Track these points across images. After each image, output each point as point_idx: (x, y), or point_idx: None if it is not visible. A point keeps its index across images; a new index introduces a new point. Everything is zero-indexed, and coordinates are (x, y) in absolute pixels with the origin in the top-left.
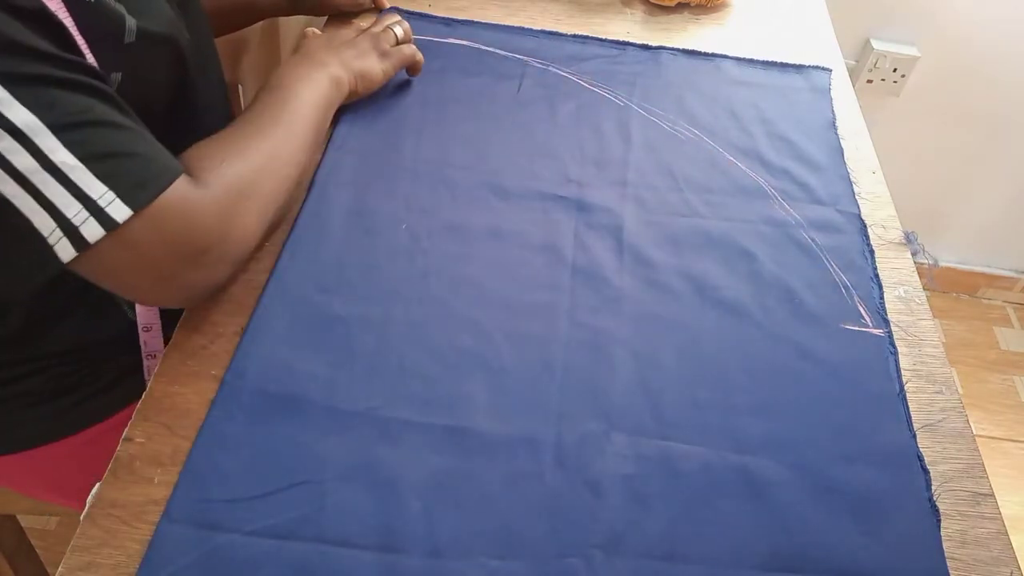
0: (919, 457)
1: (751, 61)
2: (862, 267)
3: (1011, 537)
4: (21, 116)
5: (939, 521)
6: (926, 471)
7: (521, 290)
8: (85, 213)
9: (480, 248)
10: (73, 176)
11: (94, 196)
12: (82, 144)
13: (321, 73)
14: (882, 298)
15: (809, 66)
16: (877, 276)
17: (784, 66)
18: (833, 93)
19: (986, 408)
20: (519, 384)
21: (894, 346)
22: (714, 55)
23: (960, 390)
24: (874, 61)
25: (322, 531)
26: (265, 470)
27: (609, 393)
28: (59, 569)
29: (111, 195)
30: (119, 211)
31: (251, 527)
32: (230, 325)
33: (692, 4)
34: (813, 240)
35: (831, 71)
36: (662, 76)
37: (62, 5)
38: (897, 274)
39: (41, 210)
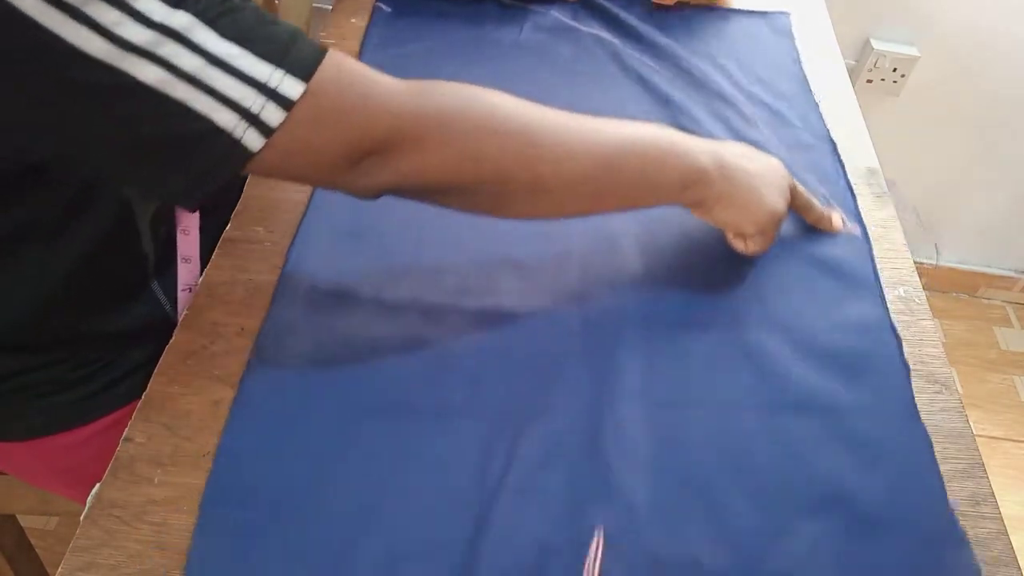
0: (892, 327)
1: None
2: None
3: (1011, 537)
4: (176, 18)
5: (909, 374)
6: (898, 337)
7: None
8: (262, 98)
9: None
10: (239, 64)
11: (263, 79)
12: (238, 31)
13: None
14: (858, 205)
15: (772, 12)
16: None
17: (750, 13)
18: (807, 53)
19: (986, 408)
20: (541, 274)
21: (869, 243)
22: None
23: (960, 390)
24: (874, 61)
25: (383, 399)
26: (329, 354)
27: (624, 282)
28: (59, 569)
29: (279, 73)
30: (292, 87)
31: (319, 405)
32: (230, 325)
33: (691, 4)
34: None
35: (789, 14)
36: (655, 27)
37: None
38: (897, 274)
39: (220, 106)
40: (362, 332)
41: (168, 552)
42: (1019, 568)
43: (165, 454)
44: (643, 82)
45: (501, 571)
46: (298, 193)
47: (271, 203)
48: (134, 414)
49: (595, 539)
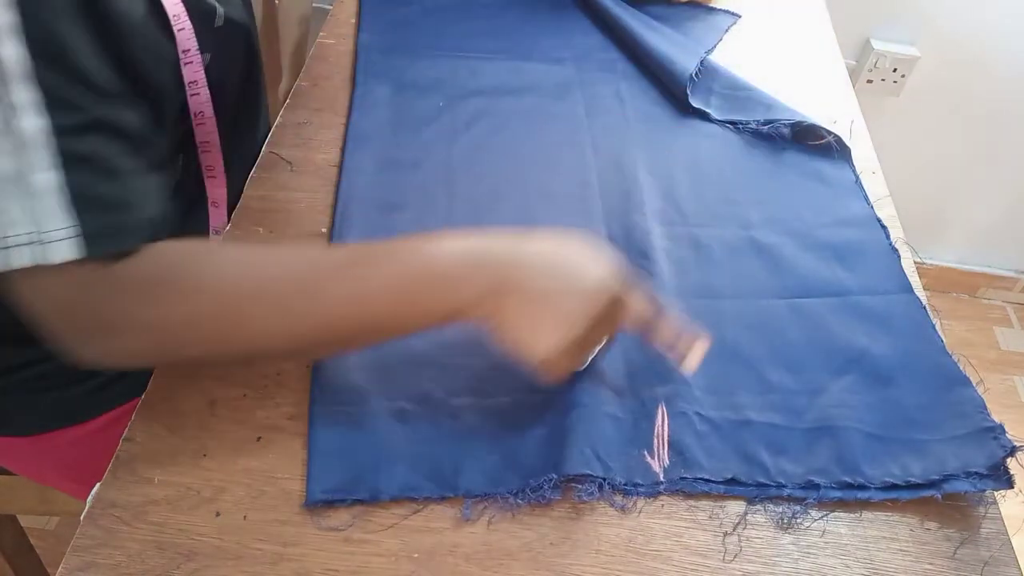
0: (877, 219)
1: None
2: None
3: (1011, 537)
4: (31, 125)
5: (899, 257)
6: (884, 227)
7: (543, 124)
8: (26, 238)
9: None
10: (41, 200)
11: (50, 227)
12: (73, 175)
13: (472, 286)
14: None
15: (718, 10)
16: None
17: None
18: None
19: None
20: (567, 201)
21: (848, 152)
22: None
23: None
24: (874, 61)
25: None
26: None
27: (640, 199)
28: (59, 569)
29: (70, 231)
30: (61, 252)
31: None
32: None
33: (692, 4)
34: None
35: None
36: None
37: None
38: None
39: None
40: None
41: (168, 552)
42: (1019, 568)
43: (165, 454)
44: (647, 25)
45: (587, 443)
46: (298, 192)
47: (271, 203)
48: (134, 414)
49: (659, 411)
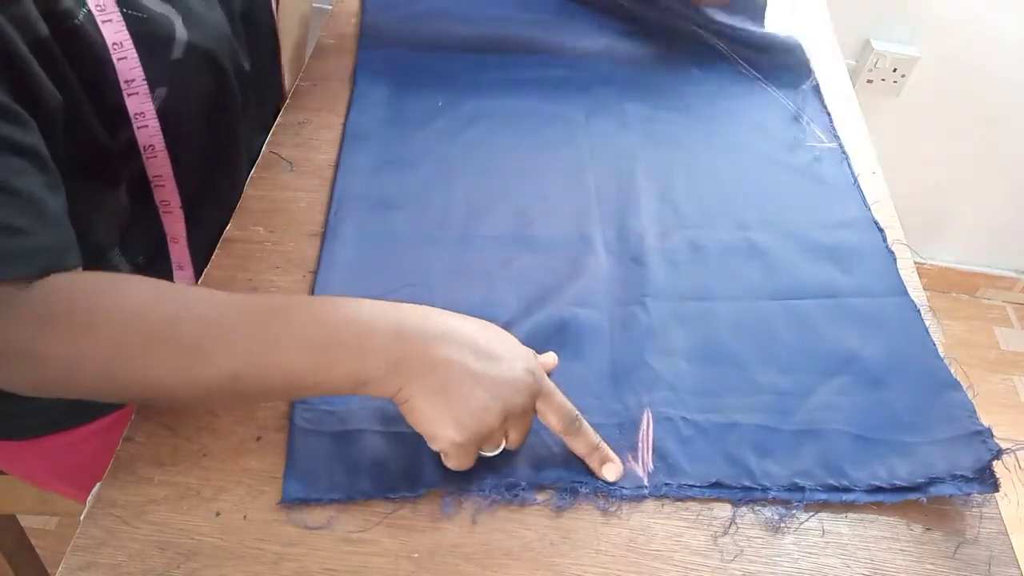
0: (874, 221)
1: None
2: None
3: (1011, 537)
4: None
5: (895, 260)
6: (881, 230)
7: (542, 125)
8: None
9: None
10: None
11: None
12: None
13: (374, 363)
14: (832, 124)
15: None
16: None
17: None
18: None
19: (986, 408)
20: (564, 203)
21: (845, 152)
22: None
23: None
24: (874, 61)
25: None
26: (381, 284)
27: (637, 201)
28: (59, 569)
29: None
30: None
31: None
32: None
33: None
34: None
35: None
36: None
37: (120, 18)
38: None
39: None
40: (412, 261)
41: (168, 552)
42: (1019, 568)
43: (165, 454)
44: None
45: (565, 449)
46: (298, 192)
47: (271, 203)
48: (134, 414)
49: (644, 417)
